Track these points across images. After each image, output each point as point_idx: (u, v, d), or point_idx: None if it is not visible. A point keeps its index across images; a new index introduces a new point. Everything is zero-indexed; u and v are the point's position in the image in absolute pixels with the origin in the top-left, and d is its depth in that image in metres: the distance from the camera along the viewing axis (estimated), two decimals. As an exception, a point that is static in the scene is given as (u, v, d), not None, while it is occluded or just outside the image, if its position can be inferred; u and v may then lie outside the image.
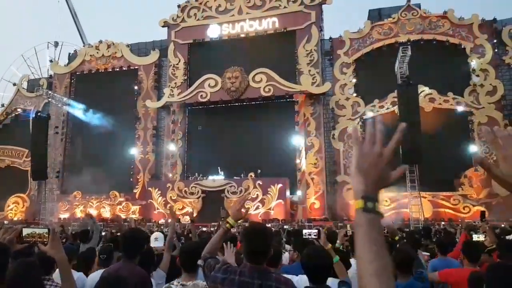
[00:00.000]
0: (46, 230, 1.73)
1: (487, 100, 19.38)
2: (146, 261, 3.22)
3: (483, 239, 5.25)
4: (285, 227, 12.57)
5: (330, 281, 2.68)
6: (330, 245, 3.10)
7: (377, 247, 0.86)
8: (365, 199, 0.91)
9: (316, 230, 3.63)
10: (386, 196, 19.51)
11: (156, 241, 4.11)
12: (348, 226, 11.82)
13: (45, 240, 1.74)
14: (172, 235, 3.83)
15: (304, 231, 3.89)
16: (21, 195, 25.54)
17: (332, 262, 2.66)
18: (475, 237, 5.19)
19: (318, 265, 2.42)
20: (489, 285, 2.16)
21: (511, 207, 17.24)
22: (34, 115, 23.18)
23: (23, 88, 27.61)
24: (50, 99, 24.78)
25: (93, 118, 24.59)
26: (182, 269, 2.67)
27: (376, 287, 0.82)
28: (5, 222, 20.66)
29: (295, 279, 2.86)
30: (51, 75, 27.26)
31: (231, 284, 2.05)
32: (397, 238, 4.00)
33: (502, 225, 13.88)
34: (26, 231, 1.83)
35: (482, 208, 18.02)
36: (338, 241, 4.21)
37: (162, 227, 15.90)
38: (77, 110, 24.97)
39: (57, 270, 2.80)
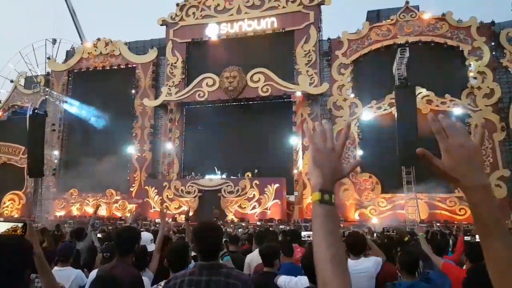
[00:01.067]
0: (21, 224, 1.69)
1: (484, 103, 19.44)
2: (139, 261, 3.21)
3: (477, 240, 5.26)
4: (280, 227, 12.59)
5: None
6: None
7: (333, 236, 0.92)
8: (321, 191, 0.96)
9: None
10: (382, 197, 19.60)
11: (152, 243, 4.02)
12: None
13: (19, 234, 1.69)
14: (162, 235, 3.80)
15: (303, 233, 3.90)
16: (17, 192, 25.45)
17: None
18: (467, 239, 5.20)
19: None
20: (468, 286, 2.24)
21: (505, 209, 17.34)
22: (31, 112, 23.11)
23: (20, 85, 27.50)
24: (47, 96, 24.69)
25: (90, 116, 24.53)
26: (170, 270, 2.66)
27: (330, 271, 0.88)
28: (1, 219, 20.56)
29: (294, 280, 2.86)
30: (48, 72, 27.17)
31: (181, 285, 2.07)
32: (406, 239, 3.98)
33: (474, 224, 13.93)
34: (1, 227, 1.76)
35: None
36: None
37: (158, 225, 15.89)
38: (74, 107, 24.90)
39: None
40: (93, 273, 3.32)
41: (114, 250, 3.79)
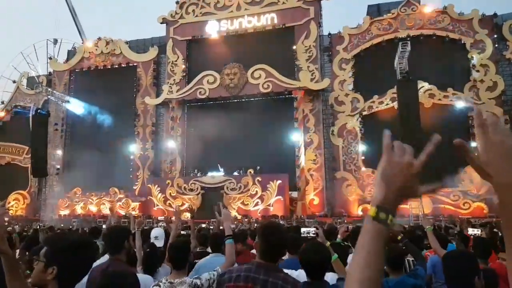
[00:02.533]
0: None
1: (487, 96, 19.31)
2: (151, 260, 3.19)
3: (480, 233, 5.25)
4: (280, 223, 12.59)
5: (330, 275, 2.67)
6: (328, 242, 3.09)
7: (375, 258, 0.86)
8: (378, 208, 0.88)
9: (314, 228, 3.65)
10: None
11: (157, 240, 3.99)
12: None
13: None
14: (175, 233, 3.80)
15: (303, 229, 3.90)
16: (22, 192, 25.60)
17: (330, 258, 2.65)
18: (470, 231, 5.18)
19: (316, 260, 2.41)
20: (446, 271, 2.27)
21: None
22: (33, 112, 23.19)
23: (22, 85, 27.60)
24: (49, 96, 24.77)
25: (92, 115, 24.59)
26: (171, 266, 2.65)
27: None
28: (6, 219, 20.69)
29: (294, 273, 2.86)
30: (50, 72, 27.23)
31: (237, 280, 2.06)
32: (399, 238, 3.96)
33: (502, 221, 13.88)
34: None
35: (483, 204, 18.10)
36: (339, 236, 4.21)
37: (161, 223, 15.95)
38: (77, 107, 24.96)
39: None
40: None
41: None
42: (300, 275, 2.78)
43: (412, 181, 0.91)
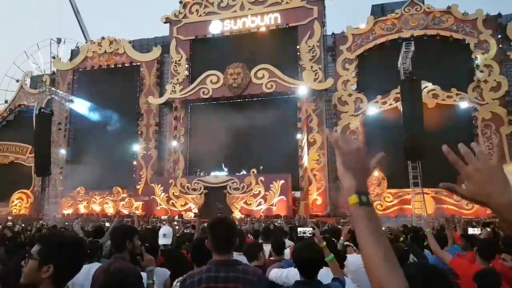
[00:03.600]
0: None
1: (491, 96, 19.24)
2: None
3: (478, 233, 5.25)
4: (279, 222, 12.56)
5: (325, 271, 2.67)
6: (324, 243, 3.10)
7: (379, 236, 0.92)
8: (358, 193, 0.96)
9: (311, 228, 3.65)
10: (388, 193, 19.52)
11: (165, 237, 4.04)
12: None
13: None
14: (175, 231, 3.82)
15: (299, 229, 3.90)
16: (25, 191, 25.71)
17: (323, 257, 2.65)
18: (471, 231, 5.17)
19: (309, 259, 2.42)
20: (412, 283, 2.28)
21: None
22: (37, 112, 23.27)
23: (26, 84, 27.71)
24: (53, 96, 24.85)
25: (96, 114, 24.67)
26: (194, 265, 2.69)
27: (385, 272, 0.86)
28: (9, 217, 20.82)
29: (284, 273, 2.88)
30: (53, 72, 27.34)
31: (200, 283, 2.09)
32: (401, 239, 3.95)
33: None
34: None
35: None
36: (341, 238, 4.21)
37: (164, 222, 15.98)
38: (80, 106, 25.05)
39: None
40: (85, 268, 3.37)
41: (96, 247, 3.80)
42: (289, 273, 2.80)
43: (366, 160, 1.03)
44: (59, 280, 1.56)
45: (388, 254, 0.89)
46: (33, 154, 24.03)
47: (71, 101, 25.14)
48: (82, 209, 23.70)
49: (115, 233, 2.96)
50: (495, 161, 0.95)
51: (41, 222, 14.51)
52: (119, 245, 2.80)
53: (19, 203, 25.58)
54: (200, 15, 23.99)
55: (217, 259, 2.15)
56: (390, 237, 4.15)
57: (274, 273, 2.94)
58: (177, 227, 8.64)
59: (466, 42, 20.01)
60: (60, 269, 1.55)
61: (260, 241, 4.86)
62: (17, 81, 28.09)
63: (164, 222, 14.42)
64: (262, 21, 22.79)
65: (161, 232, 4.14)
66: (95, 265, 3.35)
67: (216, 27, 23.48)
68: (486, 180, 0.91)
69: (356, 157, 1.01)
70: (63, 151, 25.21)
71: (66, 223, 16.04)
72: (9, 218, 20.35)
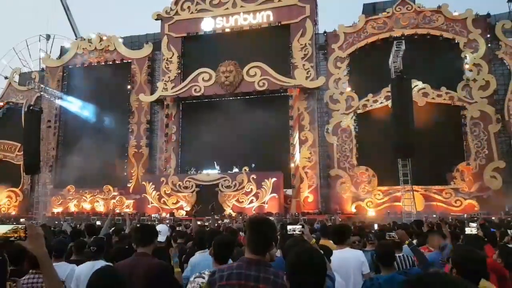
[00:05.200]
0: (22, 226, 1.71)
1: (480, 95, 19.52)
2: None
3: (476, 231, 5.31)
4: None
5: None
6: (314, 240, 3.14)
7: None
8: None
9: (300, 226, 3.69)
10: (379, 190, 19.71)
11: (159, 234, 4.10)
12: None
13: (21, 236, 1.71)
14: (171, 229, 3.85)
15: (289, 227, 3.92)
16: (14, 189, 25.37)
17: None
18: (468, 230, 5.24)
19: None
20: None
21: (500, 200, 17.53)
22: (26, 109, 22.94)
23: (14, 81, 27.28)
24: (42, 93, 24.53)
25: (86, 112, 24.42)
26: (214, 261, 2.77)
27: None
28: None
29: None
30: (43, 68, 26.96)
31: (229, 278, 2.08)
32: (407, 242, 3.92)
33: (493, 218, 14.07)
34: (4, 228, 1.78)
35: (474, 202, 18.33)
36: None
37: (156, 221, 15.93)
38: (70, 103, 24.76)
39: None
40: (81, 267, 3.40)
41: (102, 244, 3.84)
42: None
43: None
44: None
45: None
46: (22, 152, 23.72)
47: (61, 98, 24.84)
48: (72, 208, 23.47)
49: (144, 231, 3.05)
50: None
51: (31, 221, 14.37)
52: (147, 242, 2.89)
53: (8, 201, 25.24)
54: (192, 12, 23.87)
55: (250, 257, 2.12)
56: (396, 240, 4.15)
57: None
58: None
59: (456, 42, 20.27)
60: None
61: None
62: (6, 78, 27.66)
63: (156, 222, 14.41)
64: (255, 19, 22.76)
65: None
66: (100, 263, 3.37)
67: (208, 25, 23.38)
68: None
69: None
70: (52, 149, 24.91)
71: (56, 222, 15.88)
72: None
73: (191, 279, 2.74)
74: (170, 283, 2.84)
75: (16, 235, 1.68)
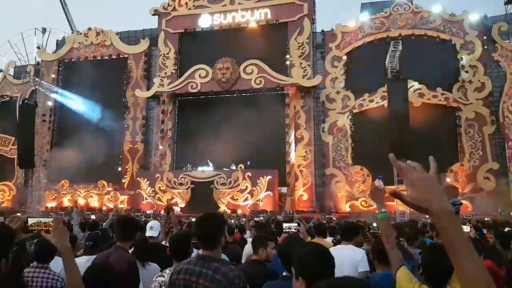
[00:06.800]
0: (51, 219, 1.74)
1: (475, 96, 19.64)
2: (141, 251, 3.28)
3: (468, 230, 5.37)
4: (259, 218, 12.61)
5: None
6: (309, 237, 3.15)
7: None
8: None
9: (296, 224, 3.71)
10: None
11: (151, 230, 4.14)
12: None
13: (50, 228, 1.74)
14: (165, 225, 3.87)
15: (284, 224, 3.96)
16: (8, 183, 25.17)
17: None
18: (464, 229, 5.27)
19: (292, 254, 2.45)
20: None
21: (493, 202, 17.67)
22: (20, 103, 22.76)
23: (9, 74, 27.02)
24: (37, 87, 24.33)
25: (81, 107, 24.26)
26: (173, 259, 2.71)
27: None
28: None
29: None
30: (38, 62, 26.73)
31: (179, 273, 2.15)
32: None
33: (486, 219, 14.18)
34: (31, 221, 1.85)
35: (467, 202, 18.46)
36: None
37: (151, 217, 15.89)
38: (65, 98, 24.59)
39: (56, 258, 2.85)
40: (76, 261, 3.40)
41: (97, 239, 3.85)
42: None
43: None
44: None
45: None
46: (16, 146, 23.55)
47: (56, 92, 24.66)
48: (66, 202, 23.36)
49: (125, 223, 3.04)
50: (432, 173, 1.03)
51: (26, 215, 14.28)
52: (127, 235, 2.91)
53: (1, 195, 25.06)
54: (190, 8, 23.77)
55: (202, 253, 2.19)
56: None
57: None
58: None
59: (453, 43, 20.36)
60: None
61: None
62: (0, 71, 27.39)
63: (151, 218, 14.37)
64: (252, 16, 22.72)
65: (148, 225, 4.31)
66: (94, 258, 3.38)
67: (205, 21, 23.30)
68: (427, 188, 0.98)
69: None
70: (47, 143, 24.75)
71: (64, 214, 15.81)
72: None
73: (154, 278, 2.74)
74: (133, 278, 2.85)
75: (45, 228, 1.74)
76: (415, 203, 0.99)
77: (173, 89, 22.46)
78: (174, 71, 23.21)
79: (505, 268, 3.33)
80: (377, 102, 20.47)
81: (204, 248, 2.18)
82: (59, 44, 26.88)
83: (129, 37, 25.59)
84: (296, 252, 1.81)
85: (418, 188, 0.99)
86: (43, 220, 1.80)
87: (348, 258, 3.55)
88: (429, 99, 19.93)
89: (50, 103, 25.08)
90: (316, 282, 1.61)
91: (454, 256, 0.94)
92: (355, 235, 3.88)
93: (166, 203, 18.57)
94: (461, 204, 2.49)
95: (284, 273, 2.49)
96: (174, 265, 2.67)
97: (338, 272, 3.44)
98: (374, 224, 4.12)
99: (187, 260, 2.33)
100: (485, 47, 20.08)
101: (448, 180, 18.83)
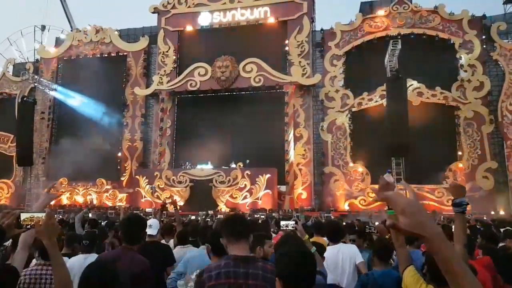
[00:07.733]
0: (44, 214, 1.72)
1: (474, 96, 19.67)
2: (160, 255, 3.28)
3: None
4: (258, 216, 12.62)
5: None
6: (307, 236, 3.17)
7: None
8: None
9: (293, 222, 3.73)
10: (372, 188, 19.84)
11: (150, 228, 4.16)
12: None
13: (32, 224, 1.72)
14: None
15: (282, 222, 3.97)
16: (6, 180, 25.15)
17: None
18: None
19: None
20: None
21: (491, 200, 17.74)
22: (19, 100, 22.70)
23: (8, 72, 26.96)
24: (36, 84, 24.26)
25: (80, 104, 24.21)
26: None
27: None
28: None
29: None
30: (37, 59, 26.66)
31: (218, 277, 2.07)
32: (387, 237, 4.03)
33: (484, 218, 14.24)
34: (24, 216, 1.81)
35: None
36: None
37: (150, 215, 15.89)
38: (64, 95, 24.54)
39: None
40: (73, 260, 3.41)
41: (94, 238, 3.86)
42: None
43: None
44: None
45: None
46: (14, 143, 23.50)
47: (55, 90, 24.61)
48: (65, 200, 23.34)
49: (134, 222, 3.01)
50: (413, 196, 1.06)
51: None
52: (135, 236, 2.86)
53: (0, 193, 25.03)
54: (189, 6, 23.73)
55: (235, 254, 2.13)
56: (376, 235, 4.21)
57: None
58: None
59: (452, 42, 20.36)
60: None
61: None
62: (-1, 68, 27.32)
63: (151, 216, 14.37)
64: (252, 15, 22.70)
65: (148, 223, 4.26)
66: (92, 256, 3.38)
67: (205, 19, 23.27)
68: (416, 214, 0.99)
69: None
70: (45, 141, 24.70)
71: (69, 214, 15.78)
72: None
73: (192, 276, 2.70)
74: (152, 280, 2.84)
75: (33, 223, 1.71)
76: (410, 230, 1.00)
77: (172, 87, 22.44)
78: (173, 69, 23.19)
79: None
80: (376, 101, 20.49)
81: (237, 248, 2.14)
82: (58, 41, 26.82)
83: (129, 35, 25.55)
84: (277, 253, 1.81)
85: (409, 215, 0.99)
86: (36, 215, 1.77)
87: (347, 255, 3.61)
88: (428, 98, 19.95)
89: (48, 101, 25.02)
90: (291, 284, 1.63)
91: (448, 275, 0.96)
92: (341, 237, 3.91)
93: (162, 201, 18.58)
94: (468, 204, 2.49)
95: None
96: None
97: (339, 265, 3.47)
98: (370, 224, 4.17)
99: (215, 264, 2.21)
100: (484, 46, 20.10)
101: (448, 180, 18.89)
